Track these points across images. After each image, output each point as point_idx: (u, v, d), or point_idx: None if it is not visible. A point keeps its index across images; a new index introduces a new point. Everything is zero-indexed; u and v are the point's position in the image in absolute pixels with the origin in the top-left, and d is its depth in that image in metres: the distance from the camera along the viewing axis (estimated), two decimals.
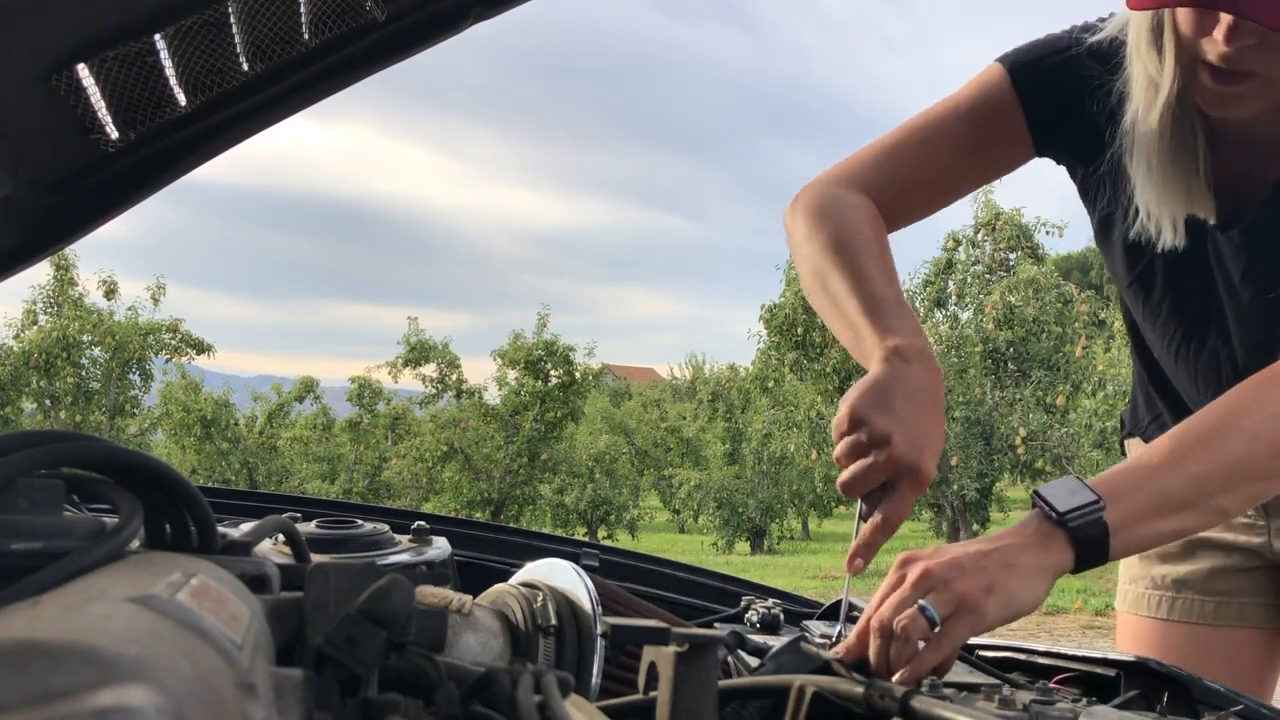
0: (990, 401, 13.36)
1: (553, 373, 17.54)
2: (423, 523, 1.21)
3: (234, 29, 0.82)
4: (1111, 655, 0.98)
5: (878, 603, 0.89)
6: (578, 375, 17.59)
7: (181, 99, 0.85)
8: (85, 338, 16.20)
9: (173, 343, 16.90)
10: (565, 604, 0.82)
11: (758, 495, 18.40)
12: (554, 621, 0.79)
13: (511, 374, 17.71)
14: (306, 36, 0.85)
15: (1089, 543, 0.93)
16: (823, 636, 0.97)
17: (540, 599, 0.81)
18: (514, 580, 0.90)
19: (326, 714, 0.45)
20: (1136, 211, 1.19)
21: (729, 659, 0.94)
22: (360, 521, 1.14)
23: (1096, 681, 0.97)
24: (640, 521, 22.18)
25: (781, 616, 1.13)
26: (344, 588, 0.53)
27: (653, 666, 0.65)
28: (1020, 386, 13.38)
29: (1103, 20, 1.22)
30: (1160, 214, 1.17)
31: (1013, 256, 14.23)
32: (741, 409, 20.56)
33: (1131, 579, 1.48)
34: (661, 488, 24.37)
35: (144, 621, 0.33)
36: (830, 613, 1.16)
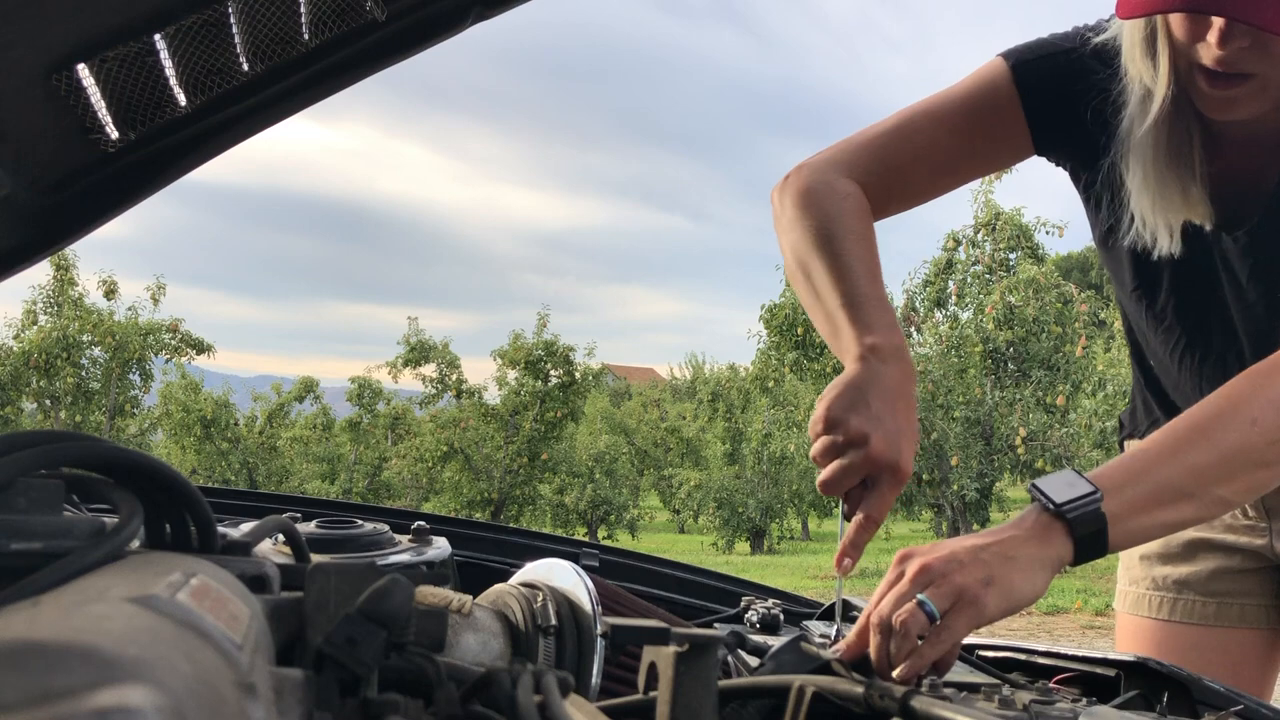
0: (990, 401, 13.36)
1: (553, 373, 17.54)
2: (423, 523, 1.21)
3: (234, 29, 0.82)
4: (1111, 655, 0.98)
5: (877, 599, 0.89)
6: (578, 375, 17.58)
7: (181, 99, 0.85)
8: (85, 338, 16.19)
9: (173, 343, 16.90)
10: (565, 604, 0.82)
11: (758, 495, 18.40)
12: (554, 621, 0.79)
13: (511, 374, 17.71)
14: (306, 36, 0.85)
15: (1088, 534, 0.93)
16: (822, 636, 0.97)
17: (540, 599, 0.81)
18: (514, 580, 0.90)
19: (326, 714, 0.45)
20: (1131, 221, 1.19)
21: (729, 659, 0.94)
22: (360, 521, 1.14)
23: (1096, 681, 0.97)
24: (640, 521, 22.18)
25: (781, 616, 1.13)
26: (344, 588, 0.53)
27: (653, 666, 0.65)
28: (1020, 386, 13.38)
29: (1106, 21, 1.22)
30: (1156, 221, 1.17)
31: (1013, 256, 14.22)
32: (741, 409, 20.56)
33: (1132, 580, 1.48)
34: (661, 488, 24.38)
35: (144, 621, 0.33)
36: (830, 613, 1.16)
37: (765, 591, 1.35)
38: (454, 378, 18.00)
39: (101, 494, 0.51)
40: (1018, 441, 12.81)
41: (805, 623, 1.12)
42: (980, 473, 13.29)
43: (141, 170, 0.90)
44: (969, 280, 14.29)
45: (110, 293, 16.63)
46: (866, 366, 1.04)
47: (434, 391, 18.17)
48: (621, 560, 1.45)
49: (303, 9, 0.83)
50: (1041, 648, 1.04)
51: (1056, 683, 0.97)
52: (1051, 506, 0.93)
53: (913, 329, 14.50)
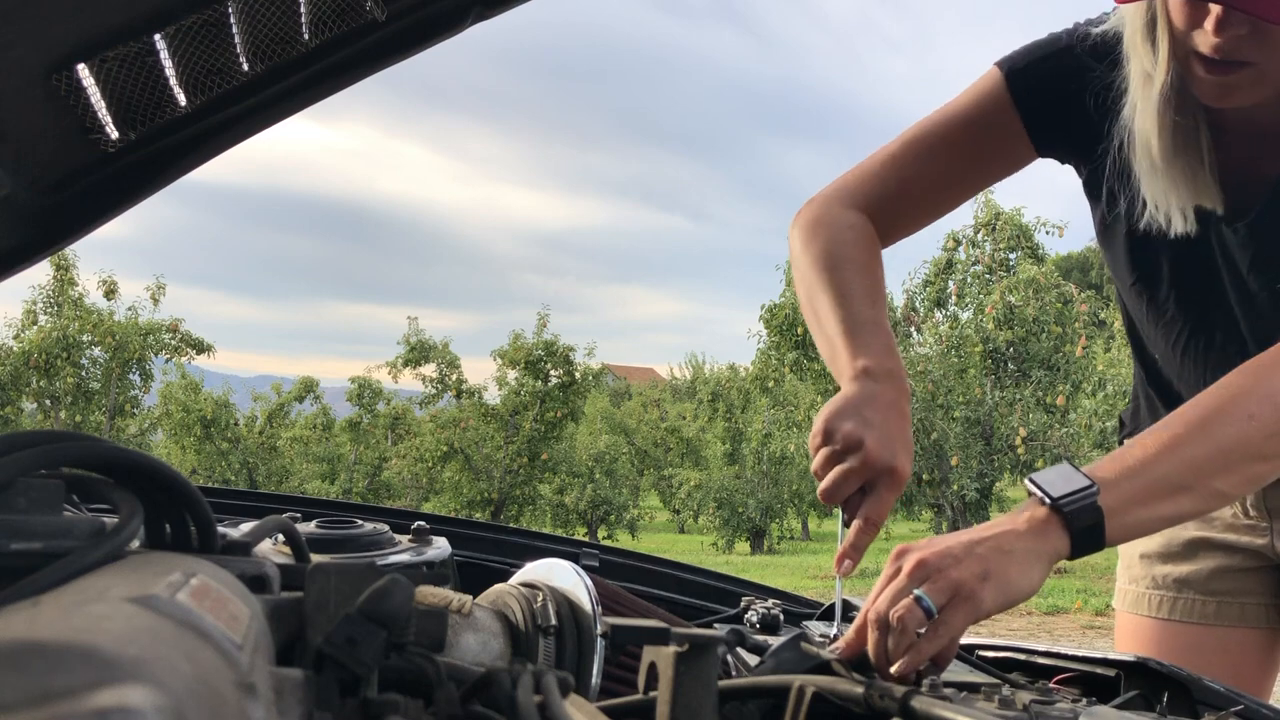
0: (990, 401, 13.35)
1: (553, 373, 17.54)
2: (423, 523, 1.21)
3: (234, 29, 0.82)
4: (1111, 655, 0.98)
5: (874, 596, 0.89)
6: (578, 375, 17.58)
7: (181, 99, 0.85)
8: (85, 338, 16.19)
9: (173, 343, 16.89)
10: (565, 604, 0.82)
11: (758, 495, 18.40)
12: (554, 621, 0.79)
13: (511, 374, 17.71)
14: (306, 36, 0.85)
15: (1084, 528, 0.92)
16: (822, 636, 0.97)
17: (540, 599, 0.81)
18: (514, 580, 0.90)
19: (326, 714, 0.45)
20: (1144, 205, 1.19)
21: (729, 657, 0.94)
22: (360, 521, 1.14)
23: (1096, 681, 0.97)
24: (640, 521, 22.19)
25: (781, 616, 1.13)
26: (344, 588, 0.53)
27: (653, 666, 0.65)
28: (1020, 386, 13.38)
29: (1105, 15, 1.23)
30: (1170, 204, 1.17)
31: (1013, 256, 14.22)
32: (741, 409, 20.56)
33: (1132, 579, 1.48)
34: (661, 488, 24.38)
35: (144, 621, 0.33)
36: (830, 613, 1.16)
37: (765, 591, 1.35)
38: (454, 378, 18.00)
39: (101, 494, 0.51)
40: (1018, 441, 12.81)
41: (805, 623, 1.12)
42: (980, 473, 13.29)
43: (141, 170, 0.90)
44: (969, 280, 14.29)
45: (110, 293, 16.63)
46: (860, 385, 1.09)
47: (434, 391, 18.17)
48: (621, 560, 1.45)
49: (303, 9, 0.83)
50: (1041, 648, 1.04)
51: (1056, 683, 0.97)
52: (1048, 500, 0.93)
53: (913, 329, 14.51)
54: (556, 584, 0.85)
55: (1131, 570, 1.48)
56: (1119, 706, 0.83)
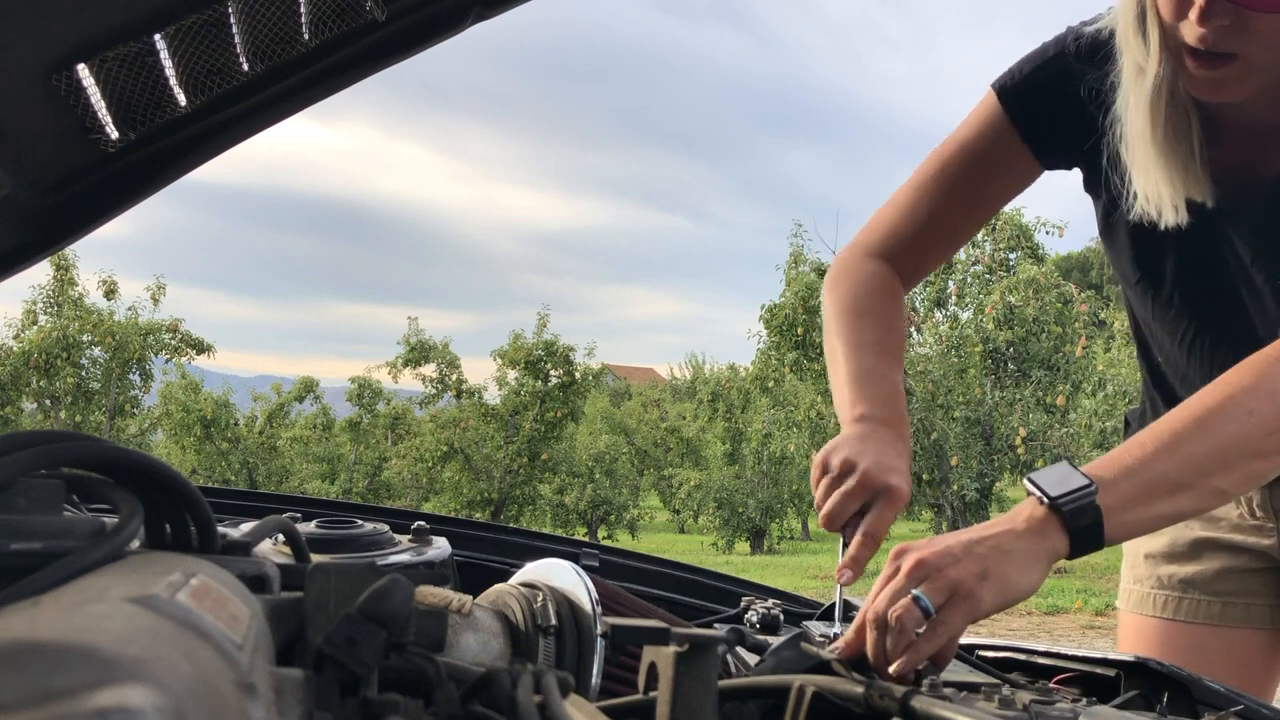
0: (990, 401, 13.35)
1: (553, 373, 17.53)
2: (423, 523, 1.21)
3: (234, 29, 0.82)
4: (1111, 655, 0.97)
5: (873, 596, 0.89)
6: (578, 375, 17.58)
7: (181, 99, 0.85)
8: (85, 338, 16.18)
9: (173, 343, 16.89)
10: (565, 604, 0.82)
11: (758, 495, 18.40)
12: (554, 621, 0.79)
13: (511, 374, 17.70)
14: (306, 36, 0.85)
15: (1083, 527, 0.92)
16: (822, 636, 0.97)
17: (540, 599, 0.81)
18: (514, 580, 0.90)
19: (326, 714, 0.45)
20: (1135, 197, 1.20)
21: (728, 657, 0.94)
22: (360, 521, 1.14)
23: (1096, 681, 0.97)
24: (640, 521, 22.18)
25: (781, 616, 1.13)
26: (344, 588, 0.53)
27: (653, 666, 0.65)
28: (1020, 386, 13.37)
29: (1099, 15, 1.23)
30: (1160, 196, 1.17)
31: (1013, 256, 14.21)
32: (741, 409, 20.56)
33: (1136, 579, 1.48)
34: (661, 488, 24.37)
35: (144, 621, 0.33)
36: (830, 613, 1.16)
37: (765, 591, 1.35)
38: (454, 378, 18.00)
39: (101, 494, 0.51)
40: (1018, 441, 12.80)
41: (805, 623, 1.12)
42: (980, 473, 13.29)
43: (141, 170, 0.90)
44: (969, 280, 14.28)
45: (110, 293, 16.63)
46: (855, 428, 1.16)
47: (434, 391, 18.16)
48: (621, 560, 1.45)
49: (303, 9, 0.83)
50: (1041, 648, 1.04)
51: (1056, 683, 0.97)
52: (1046, 500, 0.93)
53: (913, 329, 14.50)
54: (556, 584, 0.85)
55: (1136, 570, 1.48)
56: (1119, 706, 0.83)
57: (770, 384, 17.61)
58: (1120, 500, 0.94)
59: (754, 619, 1.13)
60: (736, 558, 16.45)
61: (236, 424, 19.41)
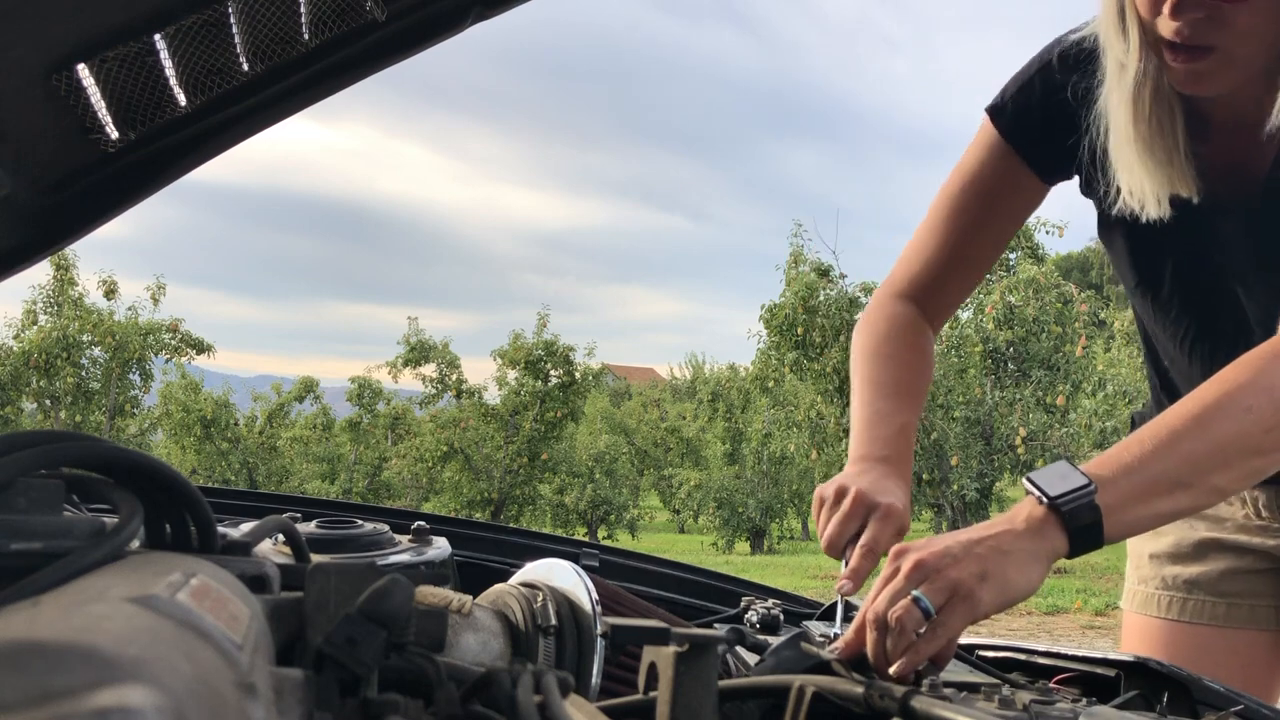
0: (990, 401, 13.35)
1: (553, 373, 17.53)
2: (423, 523, 1.21)
3: (234, 29, 0.82)
4: (1111, 655, 0.97)
5: (873, 597, 0.89)
6: (578, 375, 17.58)
7: (181, 99, 0.85)
8: (85, 338, 16.18)
9: (173, 343, 16.88)
10: (565, 604, 0.82)
11: (758, 495, 18.39)
12: (554, 621, 0.79)
13: (511, 374, 17.70)
14: (306, 36, 0.85)
15: (1082, 526, 0.92)
16: (822, 636, 0.97)
17: (540, 599, 0.81)
18: (514, 580, 0.90)
19: (326, 714, 0.45)
20: (1118, 192, 1.20)
21: (728, 657, 0.94)
22: (360, 521, 1.14)
23: (1096, 681, 0.97)
24: (640, 521, 22.18)
25: (781, 616, 1.13)
26: (344, 588, 0.53)
27: (653, 666, 0.65)
28: (1020, 386, 13.37)
29: (1086, 23, 1.24)
30: (1143, 190, 1.18)
31: (1013, 256, 14.21)
32: (741, 409, 20.55)
33: (1141, 579, 1.47)
34: (661, 488, 24.37)
35: (144, 621, 0.33)
36: (830, 613, 1.16)
37: (765, 591, 1.35)
38: (454, 378, 18.00)
39: (101, 494, 0.51)
40: (1018, 441, 12.80)
41: (805, 623, 1.12)
42: (980, 473, 13.29)
43: (141, 170, 0.90)
44: None
45: (110, 293, 16.62)
46: (855, 466, 1.21)
47: (434, 391, 18.16)
48: (621, 560, 1.45)
49: (303, 9, 0.83)
50: (1041, 648, 1.04)
51: (1056, 683, 0.97)
52: (1045, 500, 0.93)
53: None
54: (556, 584, 0.85)
55: (1141, 570, 1.48)
56: (1119, 706, 0.83)
57: (770, 384, 17.60)
58: (1119, 499, 0.94)
59: (754, 619, 1.13)
60: (736, 558, 16.45)
61: (236, 424, 19.41)
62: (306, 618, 0.52)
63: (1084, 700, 0.76)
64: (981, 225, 1.35)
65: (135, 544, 0.51)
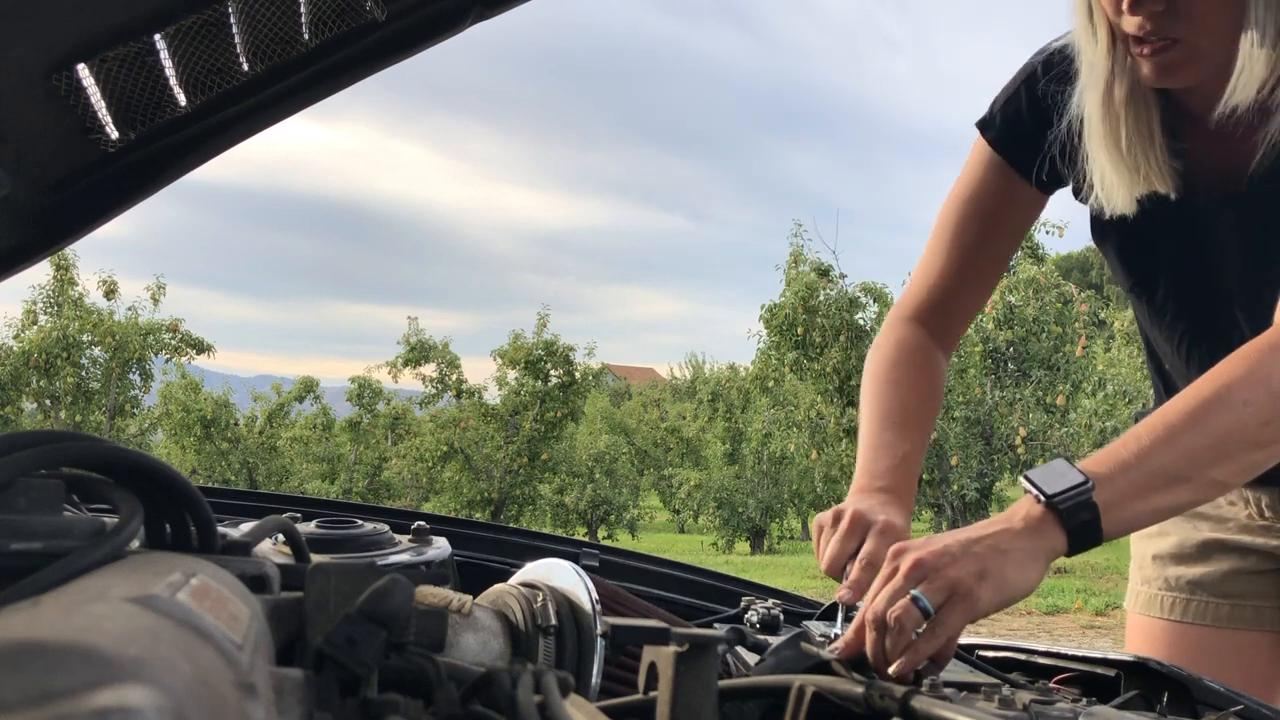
0: (990, 401, 13.35)
1: (553, 373, 17.53)
2: (423, 523, 1.21)
3: (234, 29, 0.82)
4: (1111, 655, 0.97)
5: (872, 596, 0.89)
6: (578, 375, 17.57)
7: (181, 99, 0.85)
8: (85, 338, 16.18)
9: (173, 343, 16.88)
10: (565, 604, 0.82)
11: (758, 495, 18.39)
12: (554, 621, 0.79)
13: (511, 374, 17.70)
14: (306, 36, 0.85)
15: (1080, 524, 0.92)
16: (822, 636, 0.97)
17: (540, 599, 0.81)
18: (514, 580, 0.90)
19: (326, 714, 0.45)
20: (1090, 187, 1.21)
21: (728, 657, 0.94)
22: (360, 521, 1.14)
23: (1096, 681, 0.97)
24: (640, 521, 22.18)
25: (781, 616, 1.13)
26: (344, 588, 0.53)
27: (653, 666, 0.65)
28: (1020, 386, 13.37)
29: (1068, 33, 1.24)
30: (1114, 186, 1.18)
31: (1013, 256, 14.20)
32: (741, 409, 20.55)
33: (1144, 580, 1.47)
34: (661, 488, 24.37)
35: (144, 621, 0.33)
36: (830, 613, 1.17)
37: (765, 591, 1.35)
38: (454, 378, 17.99)
39: (101, 494, 0.51)
40: (1018, 441, 12.80)
41: (805, 623, 1.12)
42: (980, 472, 13.29)
43: (141, 170, 0.90)
44: None
45: (110, 293, 16.62)
46: (854, 496, 1.22)
47: (434, 391, 18.16)
48: (621, 560, 1.45)
49: (303, 9, 0.83)
50: (1041, 648, 1.04)
51: (1056, 683, 0.97)
52: (1043, 498, 0.93)
53: None
54: (556, 584, 0.85)
55: (1144, 571, 1.47)
56: (1119, 706, 0.83)
57: (770, 384, 17.61)
58: (1117, 495, 0.94)
59: (754, 619, 1.13)
60: (736, 558, 16.45)
61: (236, 424, 19.41)
62: (306, 618, 0.52)
63: (1084, 700, 0.76)
64: (983, 241, 1.35)
65: (135, 544, 0.51)
